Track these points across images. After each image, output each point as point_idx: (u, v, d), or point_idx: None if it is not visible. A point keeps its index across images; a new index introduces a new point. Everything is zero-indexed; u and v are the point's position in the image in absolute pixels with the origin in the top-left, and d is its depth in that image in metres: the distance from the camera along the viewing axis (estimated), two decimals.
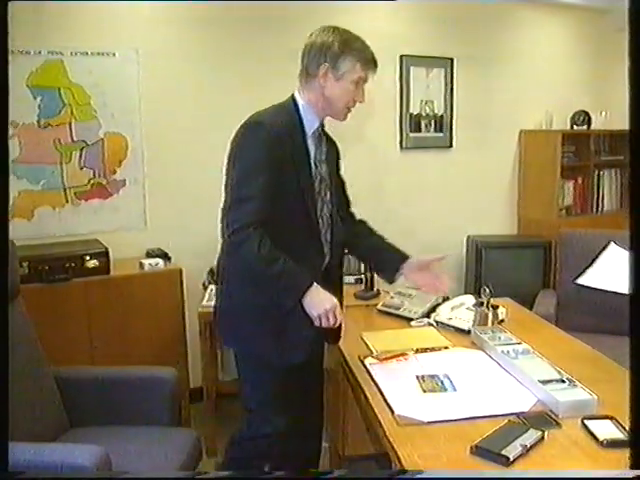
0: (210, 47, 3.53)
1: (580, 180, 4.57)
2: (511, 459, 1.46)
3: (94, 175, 3.33)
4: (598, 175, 4.63)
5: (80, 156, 3.28)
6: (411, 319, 2.59)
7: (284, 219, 1.91)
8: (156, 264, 3.21)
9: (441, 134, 4.28)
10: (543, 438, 1.56)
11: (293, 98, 2.00)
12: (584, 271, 2.23)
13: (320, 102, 1.97)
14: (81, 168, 3.29)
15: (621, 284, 2.08)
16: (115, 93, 3.32)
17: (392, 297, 2.79)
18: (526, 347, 2.09)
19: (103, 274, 3.03)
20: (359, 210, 2.33)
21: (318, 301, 1.87)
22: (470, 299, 2.61)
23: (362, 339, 2.34)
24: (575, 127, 4.54)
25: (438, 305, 2.66)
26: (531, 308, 3.17)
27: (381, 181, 4.00)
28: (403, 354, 2.16)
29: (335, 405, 2.58)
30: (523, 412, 1.71)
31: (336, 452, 2.72)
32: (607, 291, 2.12)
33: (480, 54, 4.30)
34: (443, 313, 2.58)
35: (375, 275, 3.08)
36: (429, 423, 1.67)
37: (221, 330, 2.12)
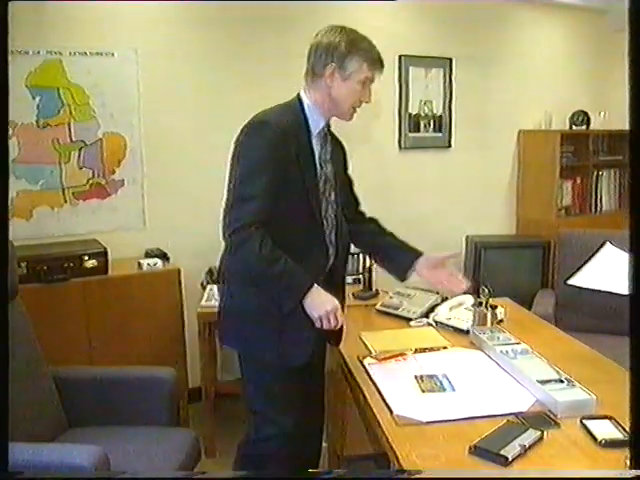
0: (209, 47, 3.53)
1: (579, 180, 4.57)
2: (510, 459, 1.46)
3: (93, 175, 3.33)
4: (597, 175, 4.64)
5: (79, 156, 3.28)
6: (410, 319, 2.59)
7: (288, 219, 1.90)
8: (155, 264, 3.20)
9: (440, 134, 4.29)
10: (542, 438, 1.56)
11: (299, 98, 1.98)
12: (577, 271, 2.21)
13: (326, 102, 1.95)
14: (80, 168, 3.29)
15: (615, 284, 2.06)
16: (114, 93, 3.32)
17: (391, 297, 2.79)
18: (525, 347, 2.09)
19: (102, 274, 3.03)
20: None
21: (319, 302, 1.86)
22: (469, 299, 2.61)
23: (361, 339, 2.34)
24: (574, 127, 4.54)
25: (437, 305, 2.66)
26: (530, 308, 3.17)
27: (380, 181, 4.00)
28: (402, 354, 2.16)
29: (334, 405, 2.58)
30: (522, 412, 1.71)
31: (335, 452, 2.72)
32: (601, 291, 2.11)
33: (479, 54, 4.30)
34: (442, 313, 2.58)
35: (374, 275, 3.09)
36: (428, 423, 1.67)
37: (223, 330, 2.10)
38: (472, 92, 4.33)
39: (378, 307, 2.76)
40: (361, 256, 3.21)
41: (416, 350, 2.20)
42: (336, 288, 2.01)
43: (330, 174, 2.02)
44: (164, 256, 3.33)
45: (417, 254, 2.19)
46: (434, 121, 4.25)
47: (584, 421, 1.62)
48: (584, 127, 4.52)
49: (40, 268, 2.88)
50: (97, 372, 2.50)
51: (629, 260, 1.18)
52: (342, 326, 2.02)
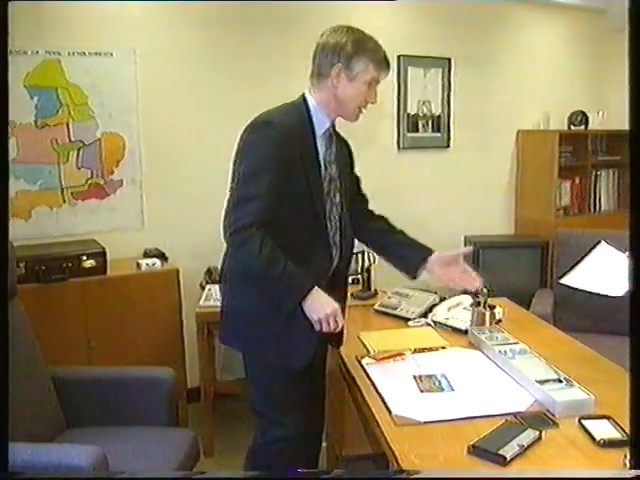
0: (208, 47, 3.52)
1: (577, 180, 4.57)
2: (508, 459, 1.46)
3: (91, 175, 3.33)
4: (595, 175, 4.64)
5: (77, 156, 3.28)
6: (408, 319, 2.59)
7: (291, 220, 1.88)
8: (153, 264, 3.20)
9: (438, 134, 4.29)
10: (540, 438, 1.56)
11: (304, 98, 1.96)
12: (570, 269, 2.20)
13: (332, 102, 1.94)
14: (78, 168, 3.29)
15: (606, 286, 2.05)
16: (112, 93, 3.32)
17: (389, 297, 2.79)
18: (523, 347, 2.09)
19: (100, 274, 3.03)
20: None
21: (319, 305, 1.84)
22: (467, 299, 2.61)
23: (359, 339, 2.34)
24: (572, 127, 4.54)
25: (435, 305, 2.66)
26: (528, 308, 3.17)
27: (378, 181, 3.99)
28: (400, 354, 2.16)
29: (333, 405, 2.58)
30: (520, 412, 1.71)
31: (333, 452, 2.72)
32: (592, 293, 2.09)
33: (477, 54, 4.31)
34: (440, 313, 2.58)
35: (373, 275, 3.09)
36: (426, 423, 1.67)
37: (224, 330, 2.09)
38: (471, 92, 4.33)
39: (376, 307, 2.76)
40: (360, 256, 3.20)
41: (415, 350, 2.20)
42: (338, 290, 2.01)
43: (335, 175, 2.00)
44: (163, 256, 3.33)
45: (428, 251, 2.17)
46: (433, 121, 4.25)
47: (582, 421, 1.62)
48: (582, 127, 4.52)
49: (39, 268, 2.88)
50: (96, 372, 2.50)
51: (629, 260, 1.17)
52: (343, 328, 2.01)
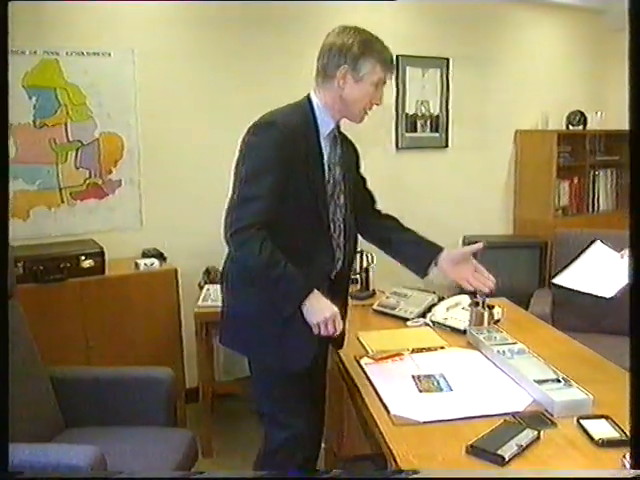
0: (207, 47, 3.52)
1: (576, 180, 4.58)
2: (507, 459, 1.46)
3: (90, 175, 3.33)
4: (594, 175, 4.65)
5: (76, 156, 3.28)
6: (407, 319, 2.59)
7: (293, 221, 1.86)
8: (151, 264, 3.20)
9: (437, 134, 4.29)
10: (539, 438, 1.56)
11: (308, 98, 1.94)
12: (563, 269, 2.19)
13: (337, 103, 1.92)
14: (77, 168, 3.29)
15: (598, 286, 2.04)
16: (111, 93, 3.31)
17: (388, 297, 2.79)
18: (522, 347, 2.09)
19: (98, 274, 3.03)
20: None
21: (318, 309, 1.83)
22: (466, 299, 2.60)
23: (358, 339, 2.34)
24: (571, 127, 4.55)
25: (434, 305, 2.66)
26: (527, 308, 3.18)
27: (377, 181, 3.99)
28: (399, 354, 2.16)
29: (331, 405, 2.58)
30: (519, 412, 1.71)
31: (332, 452, 2.72)
32: (584, 293, 2.08)
33: (476, 54, 4.31)
34: (439, 313, 2.58)
35: (371, 275, 3.09)
36: (425, 423, 1.67)
37: (224, 331, 2.07)
38: (469, 92, 4.33)
39: (375, 307, 2.76)
40: (358, 256, 3.20)
41: (413, 350, 2.20)
42: (339, 293, 2.00)
43: (339, 177, 1.98)
44: (161, 256, 3.33)
45: (438, 249, 2.12)
46: (431, 121, 4.25)
47: (581, 421, 1.62)
48: (581, 127, 4.53)
49: (37, 268, 2.87)
50: (94, 372, 2.50)
51: (629, 260, 1.17)
52: (344, 330, 1.99)
